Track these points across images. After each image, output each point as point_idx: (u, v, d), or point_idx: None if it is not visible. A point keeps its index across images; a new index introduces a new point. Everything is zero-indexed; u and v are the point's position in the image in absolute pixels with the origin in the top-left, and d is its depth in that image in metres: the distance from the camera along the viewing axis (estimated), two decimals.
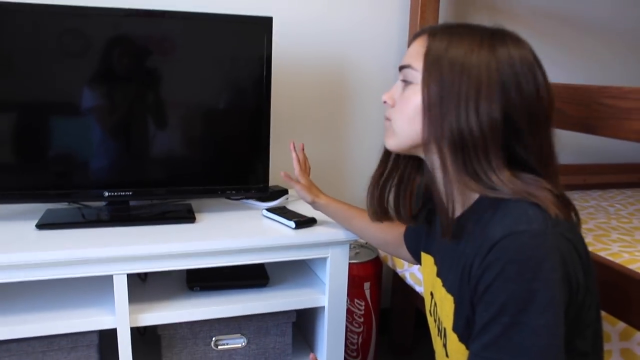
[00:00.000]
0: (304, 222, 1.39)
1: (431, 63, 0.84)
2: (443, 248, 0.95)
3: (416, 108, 0.86)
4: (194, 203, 1.55)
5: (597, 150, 2.42)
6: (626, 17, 2.37)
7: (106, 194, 1.39)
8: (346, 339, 1.88)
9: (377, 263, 1.89)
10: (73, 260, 1.19)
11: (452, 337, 0.88)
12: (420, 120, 0.86)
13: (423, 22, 1.84)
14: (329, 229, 1.39)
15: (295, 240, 1.34)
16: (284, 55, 1.81)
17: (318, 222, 1.41)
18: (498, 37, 0.84)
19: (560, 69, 2.27)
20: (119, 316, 1.24)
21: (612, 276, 1.08)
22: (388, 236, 1.27)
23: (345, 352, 1.88)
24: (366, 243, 1.98)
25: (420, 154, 0.92)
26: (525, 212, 0.77)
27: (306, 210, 1.47)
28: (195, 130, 1.45)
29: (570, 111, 1.11)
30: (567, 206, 0.82)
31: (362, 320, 1.89)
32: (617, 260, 1.40)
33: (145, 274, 1.46)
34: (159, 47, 1.37)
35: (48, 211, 1.42)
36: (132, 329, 1.27)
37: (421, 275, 1.15)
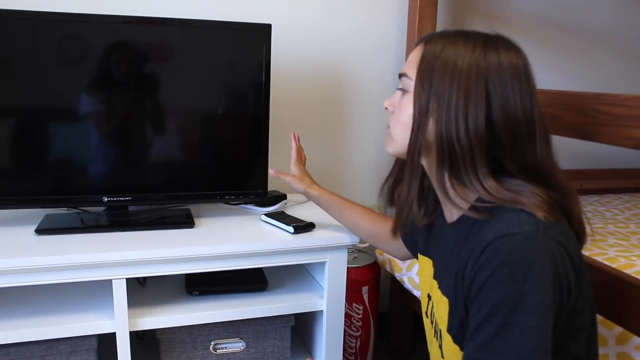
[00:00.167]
0: (302, 227, 1.39)
1: (423, 71, 0.86)
2: (440, 251, 0.97)
3: (410, 116, 0.88)
4: (193, 208, 1.56)
5: (595, 156, 2.43)
6: (627, 23, 2.39)
7: (105, 199, 1.40)
8: (344, 343, 1.88)
9: (375, 267, 1.90)
10: (72, 265, 1.19)
11: (447, 339, 0.90)
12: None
13: (421, 27, 1.85)
14: (327, 233, 1.40)
15: (293, 245, 1.35)
16: (282, 61, 1.82)
17: (317, 226, 1.42)
18: (491, 43, 0.85)
19: (560, 75, 2.29)
20: (118, 320, 1.25)
21: (608, 280, 1.09)
22: (378, 230, 1.29)
23: (344, 356, 1.89)
24: (364, 247, 1.98)
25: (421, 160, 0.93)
26: (517, 215, 0.78)
27: (305, 215, 1.48)
28: (195, 135, 1.46)
29: (567, 118, 1.12)
30: (559, 210, 0.82)
31: (360, 324, 1.89)
32: (614, 264, 1.41)
33: (144, 278, 1.46)
34: (158, 53, 1.38)
35: (47, 216, 1.43)
36: (131, 333, 1.27)
37: (419, 279, 1.17)
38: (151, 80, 1.39)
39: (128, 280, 1.24)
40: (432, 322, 0.99)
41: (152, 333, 1.39)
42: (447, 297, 0.90)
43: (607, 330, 1.20)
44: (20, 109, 1.32)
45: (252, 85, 1.46)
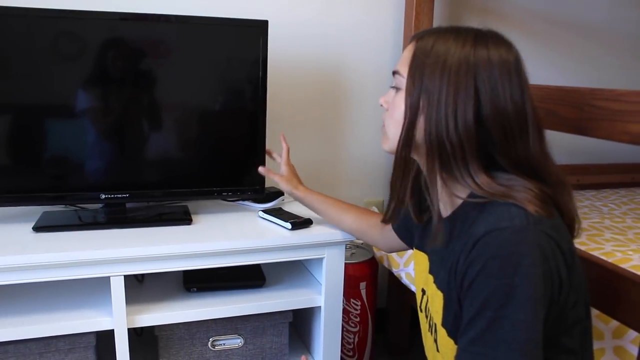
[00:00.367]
0: (300, 223, 1.40)
1: (414, 68, 0.87)
2: (435, 245, 0.97)
3: (402, 113, 0.88)
4: (191, 205, 1.56)
5: (591, 151, 2.44)
6: (622, 19, 2.39)
7: (103, 196, 1.40)
8: (342, 338, 1.89)
9: (372, 263, 1.90)
10: (70, 262, 1.19)
11: (442, 333, 0.91)
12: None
13: (418, 23, 1.85)
14: (325, 229, 1.40)
15: (291, 241, 1.35)
16: (279, 57, 1.82)
17: (314, 223, 1.42)
18: (481, 38, 0.85)
19: (555, 71, 2.29)
20: (116, 317, 1.25)
21: (604, 275, 1.10)
22: (363, 224, 1.31)
23: (342, 351, 1.89)
24: (362, 243, 1.99)
25: (414, 156, 0.94)
26: (508, 210, 0.79)
27: (302, 211, 1.48)
28: (192, 132, 1.46)
29: (563, 113, 1.12)
30: (551, 204, 0.83)
31: (358, 320, 1.90)
32: (610, 259, 1.41)
33: (142, 275, 1.46)
34: (155, 50, 1.38)
35: (45, 214, 1.43)
36: (129, 330, 1.27)
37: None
38: (148, 77, 1.39)
39: (126, 277, 1.25)
40: (426, 317, 1.00)
41: (150, 330, 1.39)
42: (442, 291, 0.91)
43: (604, 324, 1.21)
44: (17, 106, 1.32)
45: (249, 82, 1.46)
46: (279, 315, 1.45)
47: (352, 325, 1.90)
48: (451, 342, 0.88)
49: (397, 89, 0.92)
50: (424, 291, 1.02)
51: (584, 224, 1.80)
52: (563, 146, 2.31)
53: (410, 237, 1.14)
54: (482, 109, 0.82)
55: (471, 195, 0.85)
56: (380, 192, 2.10)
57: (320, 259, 1.42)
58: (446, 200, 0.92)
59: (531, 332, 0.75)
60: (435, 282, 0.95)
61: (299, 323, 1.65)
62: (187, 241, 1.28)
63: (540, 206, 0.79)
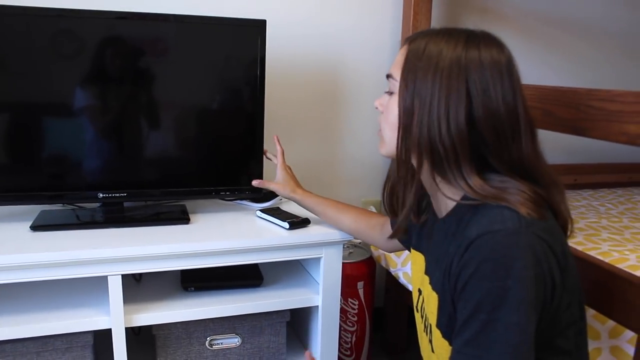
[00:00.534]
0: (297, 223, 1.40)
1: (407, 72, 0.87)
2: (431, 246, 0.98)
3: (397, 117, 0.89)
4: (188, 204, 1.56)
5: (588, 151, 2.45)
6: (618, 19, 2.40)
7: (100, 195, 1.40)
8: (340, 338, 1.89)
9: (370, 263, 1.91)
10: (68, 262, 1.19)
11: (437, 334, 0.91)
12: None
13: (415, 23, 1.85)
14: (322, 229, 1.40)
15: (289, 241, 1.35)
16: (277, 57, 1.82)
17: (312, 222, 1.43)
18: (472, 40, 0.85)
19: (551, 70, 2.30)
20: (114, 317, 1.25)
21: (600, 275, 1.10)
22: (361, 226, 1.32)
23: (339, 351, 1.90)
24: (359, 243, 1.99)
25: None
26: (500, 212, 0.79)
27: (300, 211, 1.48)
28: (190, 131, 1.46)
29: (560, 113, 1.12)
30: (544, 206, 0.83)
31: (355, 319, 1.90)
32: (607, 259, 1.41)
33: (140, 274, 1.46)
34: (153, 49, 1.38)
35: (42, 212, 1.43)
36: (127, 329, 1.27)
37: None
38: (146, 76, 1.39)
39: (124, 276, 1.25)
40: (422, 317, 1.00)
41: (148, 329, 1.39)
42: (437, 292, 0.91)
43: (600, 324, 1.21)
44: (15, 104, 1.32)
45: (247, 81, 1.46)
46: (277, 315, 1.46)
47: (350, 324, 1.90)
48: (446, 343, 0.88)
49: (391, 92, 0.92)
50: (420, 291, 1.02)
51: (581, 223, 1.80)
52: (560, 146, 2.31)
53: (409, 237, 1.14)
54: (474, 111, 0.82)
55: (464, 198, 0.85)
56: (377, 191, 2.10)
57: (318, 259, 1.42)
58: (441, 201, 0.92)
59: (524, 335, 0.75)
60: (430, 283, 0.95)
61: (297, 322, 1.65)
62: (185, 240, 1.28)
63: (533, 208, 0.79)
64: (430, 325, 0.94)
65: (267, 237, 1.34)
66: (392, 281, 1.96)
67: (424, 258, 1.01)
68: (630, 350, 1.15)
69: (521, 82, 0.86)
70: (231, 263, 1.33)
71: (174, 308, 1.32)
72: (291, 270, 1.58)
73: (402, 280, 1.76)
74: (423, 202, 1.03)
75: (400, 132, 0.88)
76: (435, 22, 2.00)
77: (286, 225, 1.38)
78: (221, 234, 1.34)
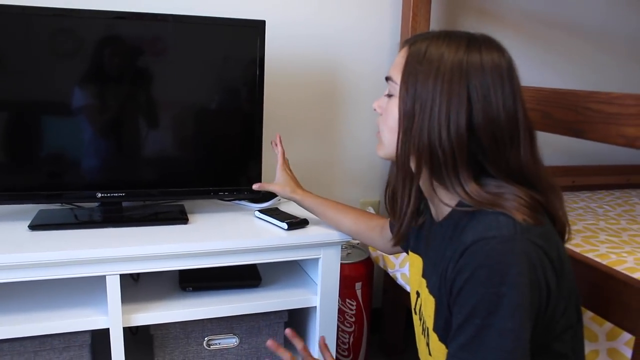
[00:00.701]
0: (296, 224, 1.40)
1: (407, 75, 0.86)
2: (429, 249, 0.97)
3: (397, 120, 0.88)
4: (187, 204, 1.56)
5: (586, 152, 2.45)
6: (618, 20, 2.40)
7: (99, 195, 1.40)
8: (338, 338, 1.89)
9: (368, 263, 1.91)
10: (66, 261, 1.19)
11: (434, 337, 0.91)
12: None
13: (415, 25, 1.85)
14: (321, 230, 1.40)
15: (287, 241, 1.35)
16: (276, 57, 1.82)
17: (310, 223, 1.43)
18: (473, 43, 0.85)
19: (552, 72, 2.30)
20: (112, 316, 1.25)
21: (598, 277, 1.10)
22: (361, 227, 1.31)
23: (337, 351, 1.90)
24: (358, 244, 1.99)
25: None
26: (496, 218, 0.79)
27: (298, 211, 1.48)
28: (189, 131, 1.46)
29: (559, 115, 1.13)
30: (541, 212, 0.83)
31: (353, 320, 1.90)
32: (605, 261, 1.42)
33: (138, 274, 1.46)
34: (152, 49, 1.38)
35: (41, 212, 1.43)
36: (124, 329, 1.27)
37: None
38: (145, 76, 1.39)
39: (122, 276, 1.25)
40: (420, 319, 1.00)
41: (145, 329, 1.39)
42: (434, 296, 0.91)
43: (598, 326, 1.22)
44: (13, 103, 1.32)
45: (246, 81, 1.46)
46: (275, 315, 1.46)
47: (348, 325, 1.90)
48: (442, 346, 0.88)
49: (391, 95, 0.92)
50: (418, 294, 1.02)
51: (579, 225, 1.80)
52: (558, 147, 2.31)
53: (407, 240, 1.14)
54: (474, 117, 0.82)
55: (460, 204, 0.85)
56: (376, 192, 2.10)
57: (316, 259, 1.42)
58: (438, 204, 0.92)
59: (518, 341, 0.75)
60: (428, 286, 0.95)
61: (295, 323, 1.65)
62: (183, 241, 1.28)
63: (529, 214, 0.79)
64: (428, 328, 0.94)
65: (265, 237, 1.34)
66: (390, 282, 1.96)
67: (422, 260, 1.01)
68: (628, 353, 1.15)
69: (521, 86, 0.86)
70: (229, 263, 1.33)
71: (172, 308, 1.32)
72: (289, 271, 1.58)
73: (400, 281, 1.76)
74: (421, 204, 1.03)
75: (400, 136, 0.87)
76: (434, 24, 2.00)
77: (285, 225, 1.38)
78: (219, 234, 1.34)
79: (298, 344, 1.05)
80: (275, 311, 1.43)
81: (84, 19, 1.32)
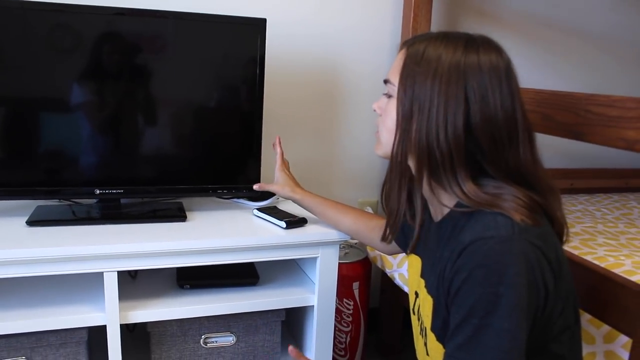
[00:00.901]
0: (294, 222, 1.40)
1: (405, 77, 0.87)
2: (427, 250, 0.98)
3: (394, 121, 0.89)
4: (185, 202, 1.56)
5: (585, 155, 2.45)
6: (619, 23, 2.40)
7: (97, 191, 1.39)
8: (335, 338, 1.89)
9: (366, 263, 1.91)
10: (63, 257, 1.19)
11: (431, 337, 0.91)
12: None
13: (415, 25, 1.85)
14: (319, 229, 1.40)
15: (285, 240, 1.35)
16: (277, 56, 1.81)
17: (308, 222, 1.42)
18: (471, 44, 0.85)
19: (552, 75, 2.30)
20: (109, 313, 1.25)
21: (595, 279, 1.11)
22: (361, 226, 1.31)
23: (334, 351, 1.90)
24: (356, 243, 1.99)
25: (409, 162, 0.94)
26: (494, 219, 0.79)
27: (297, 210, 1.48)
28: (188, 129, 1.46)
29: (559, 118, 1.13)
30: (539, 213, 0.83)
31: (350, 319, 1.90)
32: (603, 264, 1.42)
33: (136, 271, 1.46)
34: (151, 46, 1.37)
35: (38, 208, 1.42)
36: (121, 326, 1.27)
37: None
38: (144, 73, 1.38)
39: (119, 273, 1.24)
40: (418, 319, 1.01)
41: (142, 326, 1.39)
42: (432, 296, 0.91)
43: (595, 328, 1.22)
44: (12, 99, 1.31)
45: (246, 80, 1.45)
46: (272, 314, 1.45)
47: (345, 324, 1.90)
48: (440, 346, 0.88)
49: (389, 96, 0.92)
50: (416, 294, 1.02)
51: (577, 228, 1.81)
52: (558, 150, 2.31)
53: (406, 240, 1.14)
54: (472, 117, 0.82)
55: (458, 205, 0.85)
56: (374, 192, 2.10)
57: (314, 258, 1.42)
58: (436, 205, 0.92)
59: (515, 341, 0.75)
60: (426, 286, 0.95)
61: (292, 322, 1.65)
62: (181, 238, 1.28)
63: (527, 215, 0.79)
64: (426, 328, 0.94)
65: (263, 236, 1.34)
66: (388, 282, 1.96)
67: (421, 261, 1.01)
68: (625, 355, 1.15)
69: (519, 87, 0.86)
70: (227, 261, 1.33)
71: (169, 305, 1.32)
72: (287, 270, 1.58)
73: (398, 281, 1.76)
74: (416, 203, 1.03)
75: (398, 136, 0.88)
76: (435, 24, 2.00)
77: (283, 224, 1.38)
78: (218, 232, 1.34)
79: None
80: (272, 310, 1.43)
81: (83, 14, 1.31)
